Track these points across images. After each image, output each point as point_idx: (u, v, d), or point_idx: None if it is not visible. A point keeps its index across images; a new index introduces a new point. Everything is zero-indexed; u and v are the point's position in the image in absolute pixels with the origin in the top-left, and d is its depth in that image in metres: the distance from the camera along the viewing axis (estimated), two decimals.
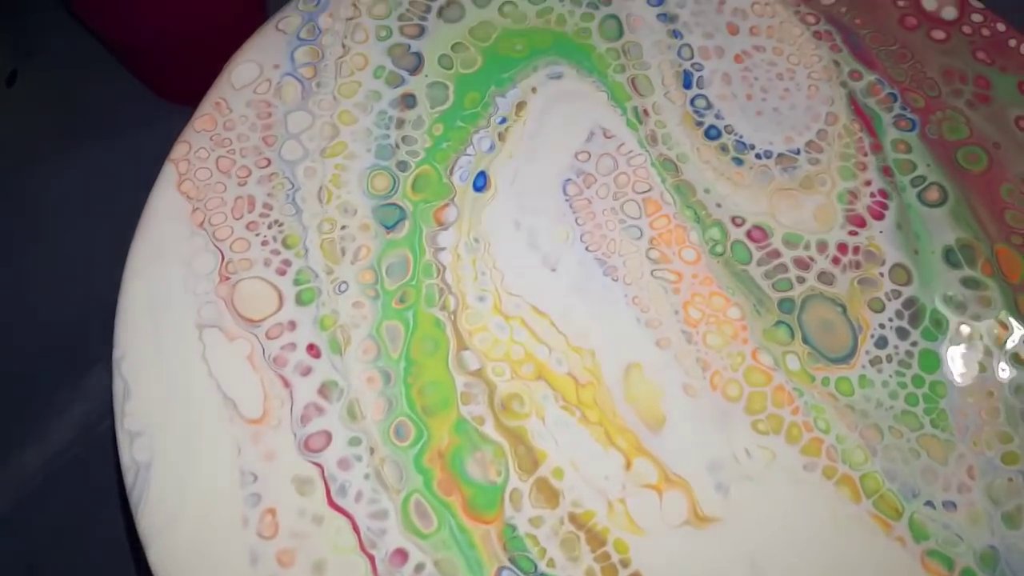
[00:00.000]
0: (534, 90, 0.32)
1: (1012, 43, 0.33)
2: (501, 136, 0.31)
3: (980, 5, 0.34)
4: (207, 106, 0.30)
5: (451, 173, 0.30)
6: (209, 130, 0.30)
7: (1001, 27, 0.34)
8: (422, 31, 0.32)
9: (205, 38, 0.54)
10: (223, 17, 0.55)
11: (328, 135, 0.30)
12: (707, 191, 0.30)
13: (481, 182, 0.30)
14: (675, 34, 0.33)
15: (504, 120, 0.31)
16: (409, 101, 0.31)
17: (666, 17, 0.33)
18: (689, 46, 0.33)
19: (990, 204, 0.30)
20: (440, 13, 0.33)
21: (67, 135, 0.61)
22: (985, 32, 0.33)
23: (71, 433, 0.52)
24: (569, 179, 0.30)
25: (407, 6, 0.33)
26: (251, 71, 0.31)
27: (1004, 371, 0.28)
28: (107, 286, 0.31)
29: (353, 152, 0.30)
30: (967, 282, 0.29)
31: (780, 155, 0.31)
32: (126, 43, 0.55)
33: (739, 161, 0.31)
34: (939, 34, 0.33)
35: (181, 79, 0.58)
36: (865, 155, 0.31)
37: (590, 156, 0.31)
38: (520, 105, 0.31)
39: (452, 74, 0.32)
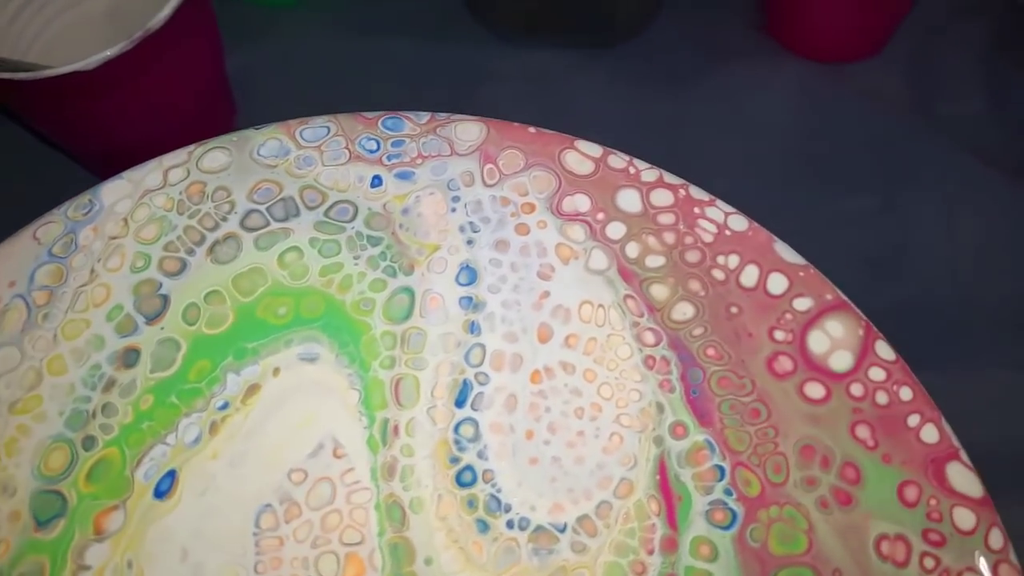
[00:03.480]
0: (277, 372, 0.26)
1: (913, 421, 0.25)
2: (213, 427, 0.25)
3: (890, 357, 0.26)
4: None
5: (137, 465, 0.25)
6: None
7: (907, 394, 0.25)
8: (183, 268, 0.27)
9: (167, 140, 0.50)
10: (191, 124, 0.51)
11: (28, 384, 0.26)
12: (428, 562, 0.24)
13: (166, 485, 0.25)
14: (472, 327, 0.26)
15: (225, 406, 0.25)
16: (131, 358, 0.26)
17: (470, 302, 0.27)
18: (483, 347, 0.26)
19: None
20: (211, 249, 0.28)
21: None
22: (881, 399, 0.25)
23: None
24: (269, 505, 0.24)
25: (181, 231, 0.28)
26: None
27: None
28: None
29: (44, 412, 0.25)
30: None
31: (539, 528, 0.24)
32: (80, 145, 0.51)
33: (485, 526, 0.24)
34: (816, 390, 0.25)
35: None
36: (650, 553, 0.24)
37: (306, 477, 0.25)
38: (252, 389, 0.26)
39: (192, 332, 0.26)
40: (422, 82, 0.50)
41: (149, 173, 0.28)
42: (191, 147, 0.29)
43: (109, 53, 0.30)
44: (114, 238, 0.28)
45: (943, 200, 0.54)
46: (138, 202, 0.28)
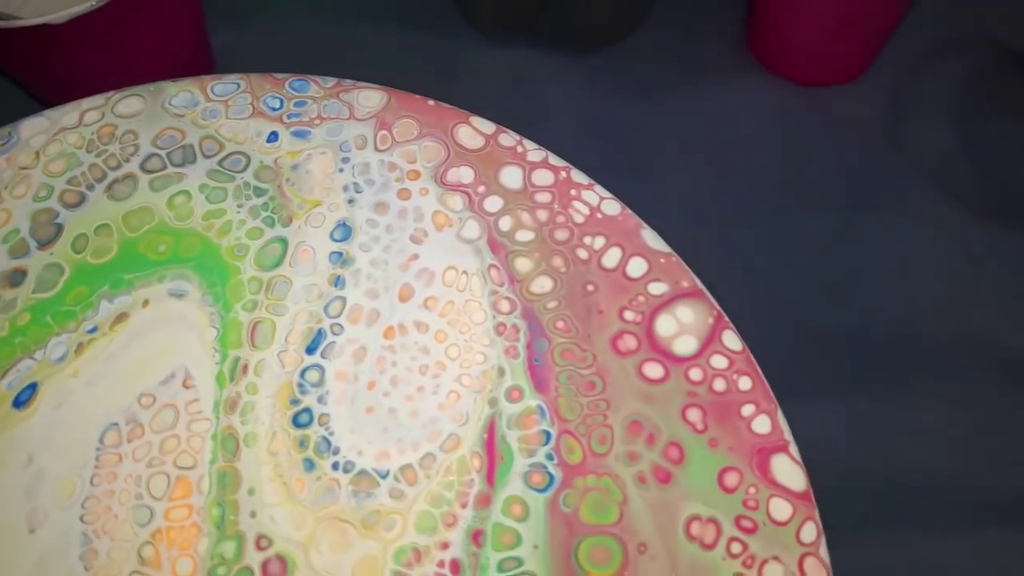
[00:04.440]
0: (146, 303, 0.27)
1: (747, 411, 0.25)
2: (79, 348, 0.27)
3: (736, 347, 0.26)
4: None
5: (3, 376, 0.26)
6: None
7: (746, 383, 0.26)
8: (81, 201, 0.29)
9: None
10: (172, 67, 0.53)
11: None
12: (251, 491, 0.25)
13: (26, 396, 0.26)
14: (337, 281, 0.27)
15: (94, 330, 0.27)
16: (17, 278, 0.28)
17: (340, 257, 0.28)
18: (343, 300, 0.27)
19: None
20: (110, 186, 0.29)
21: None
22: (719, 385, 0.26)
23: None
24: (116, 424, 0.26)
25: (85, 168, 0.29)
26: None
27: None
28: None
29: None
30: None
31: (362, 472, 0.25)
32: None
33: (311, 465, 0.25)
34: (655, 371, 0.26)
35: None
36: (464, 507, 0.24)
37: (154, 402, 0.26)
38: (121, 317, 0.27)
39: (77, 260, 0.28)
40: (399, 73, 0.51)
41: (67, 113, 0.30)
42: (111, 93, 0.31)
43: (79, 9, 0.32)
44: (24, 168, 0.29)
45: (903, 231, 0.53)
46: (52, 138, 0.30)
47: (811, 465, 0.47)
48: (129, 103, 0.30)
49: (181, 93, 0.30)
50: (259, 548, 0.24)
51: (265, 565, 0.24)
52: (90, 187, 0.29)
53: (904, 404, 0.48)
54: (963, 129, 0.55)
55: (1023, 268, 0.51)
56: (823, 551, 0.23)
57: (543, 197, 0.28)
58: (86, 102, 0.31)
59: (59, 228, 0.28)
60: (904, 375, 0.49)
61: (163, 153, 0.29)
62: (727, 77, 0.57)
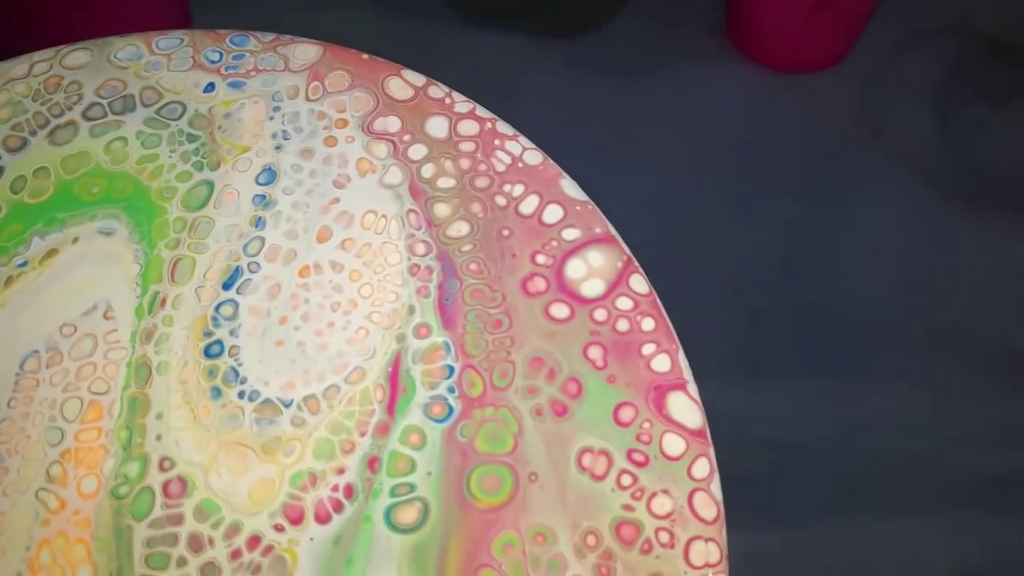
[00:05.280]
0: (75, 240, 0.28)
1: (648, 350, 0.26)
2: (8, 281, 0.28)
3: (643, 290, 0.26)
4: None
5: None
6: None
7: (648, 324, 0.26)
8: (23, 146, 0.30)
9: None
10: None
11: None
12: (159, 416, 0.25)
13: None
14: (258, 223, 0.28)
15: (24, 264, 0.28)
16: None
17: (263, 200, 0.29)
18: (263, 240, 0.28)
19: (470, 553, 0.23)
20: (52, 132, 0.30)
21: None
22: (622, 326, 0.26)
23: None
24: (36, 351, 0.27)
25: (30, 115, 0.30)
26: None
27: None
28: None
29: None
30: None
31: (266, 401, 0.25)
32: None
33: (218, 393, 0.26)
34: (561, 311, 0.26)
35: None
36: (362, 435, 0.25)
37: (75, 332, 0.27)
38: (51, 252, 0.28)
39: (14, 199, 0.29)
40: (379, 54, 0.52)
41: (17, 64, 0.31)
42: (61, 47, 0.32)
43: None
44: None
45: (874, 215, 0.53)
46: (0, 87, 0.31)
47: (770, 444, 0.47)
48: (76, 56, 0.31)
49: (127, 47, 0.31)
50: (162, 469, 0.24)
51: (166, 485, 0.24)
52: (32, 133, 0.30)
53: (866, 386, 0.48)
54: (938, 115, 0.55)
55: (992, 253, 0.50)
56: (715, 487, 0.24)
57: (467, 146, 0.29)
58: (37, 55, 0.32)
59: (0, 171, 0.29)
60: (868, 357, 0.48)
61: (104, 102, 0.30)
62: (705, 64, 0.57)
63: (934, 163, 0.53)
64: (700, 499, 0.24)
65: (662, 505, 0.23)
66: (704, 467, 0.24)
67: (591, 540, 0.23)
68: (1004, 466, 0.44)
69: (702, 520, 0.23)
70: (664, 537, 0.23)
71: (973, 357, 0.47)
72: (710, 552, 0.23)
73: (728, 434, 0.46)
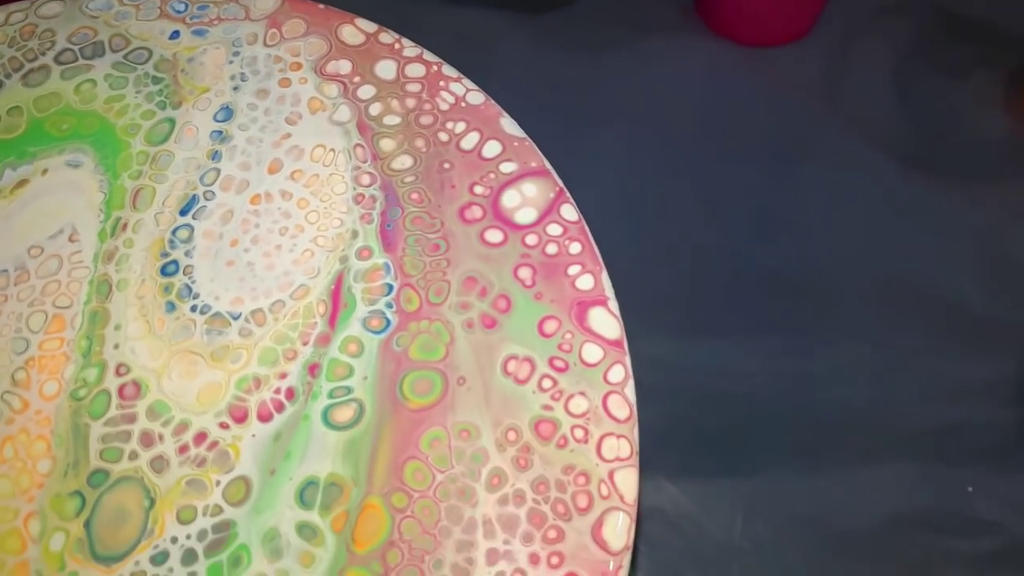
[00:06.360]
0: (45, 172, 0.30)
1: (573, 270, 0.27)
2: None
3: (572, 218, 0.28)
4: None
5: None
6: None
7: (576, 248, 0.28)
8: None
9: None
10: None
11: None
12: (117, 327, 0.27)
13: None
14: (215, 156, 0.30)
15: None
16: None
17: (220, 135, 0.30)
18: (218, 171, 0.30)
19: (399, 447, 0.25)
20: (25, 75, 0.32)
21: None
22: (551, 249, 0.28)
23: None
24: (5, 270, 0.29)
25: (6, 60, 0.32)
26: None
27: None
28: None
29: None
30: (303, 529, 0.24)
31: (216, 314, 0.27)
32: None
33: (172, 307, 0.27)
34: (495, 236, 0.28)
35: None
36: (305, 344, 0.27)
37: (42, 253, 0.29)
38: (21, 183, 0.30)
39: None
40: None
41: None
42: None
43: None
44: None
45: (833, 181, 0.55)
46: None
47: (729, 398, 0.49)
48: (51, 6, 0.34)
49: None
50: (118, 374, 0.26)
51: (121, 389, 0.26)
52: (7, 76, 0.32)
53: (823, 343, 0.49)
54: (897, 88, 0.57)
55: (946, 217, 0.52)
56: (628, 390, 0.25)
57: (414, 87, 0.31)
58: (14, 6, 0.34)
59: None
60: (825, 316, 0.50)
61: (76, 48, 0.33)
62: (672, 38, 0.59)
63: (892, 133, 0.55)
64: (614, 401, 0.25)
65: (578, 405, 0.25)
66: (619, 373, 0.26)
67: (512, 436, 0.25)
68: (952, 418, 0.46)
69: (615, 419, 0.25)
70: (579, 433, 0.25)
71: (925, 316, 0.49)
72: (621, 447, 0.25)
73: (683, 387, 0.48)
